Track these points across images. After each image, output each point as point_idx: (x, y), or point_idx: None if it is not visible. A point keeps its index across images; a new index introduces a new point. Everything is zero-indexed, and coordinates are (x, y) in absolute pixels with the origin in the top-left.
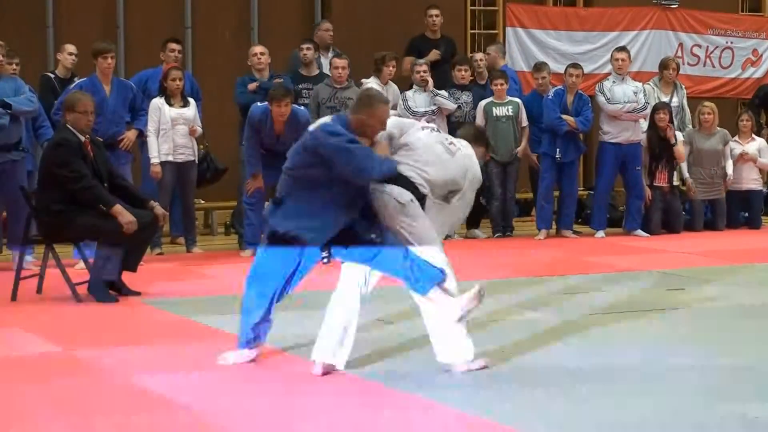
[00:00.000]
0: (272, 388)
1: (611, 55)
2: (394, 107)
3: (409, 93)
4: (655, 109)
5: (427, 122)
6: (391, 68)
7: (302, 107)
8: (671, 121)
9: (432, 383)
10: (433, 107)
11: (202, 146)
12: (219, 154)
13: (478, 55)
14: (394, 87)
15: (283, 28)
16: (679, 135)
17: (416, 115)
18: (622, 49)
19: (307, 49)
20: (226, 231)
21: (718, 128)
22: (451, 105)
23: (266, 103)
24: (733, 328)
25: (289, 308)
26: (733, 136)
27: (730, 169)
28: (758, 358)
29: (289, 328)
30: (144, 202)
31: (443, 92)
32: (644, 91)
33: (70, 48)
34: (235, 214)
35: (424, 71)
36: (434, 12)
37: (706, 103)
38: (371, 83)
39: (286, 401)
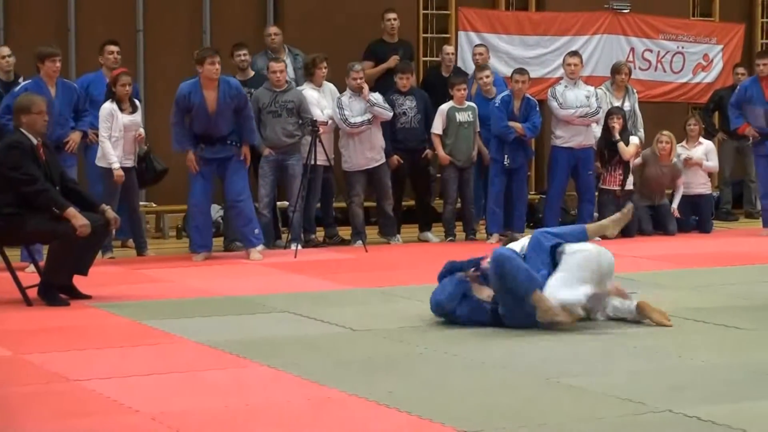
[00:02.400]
0: (223, 391)
1: (563, 60)
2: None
3: (344, 99)
4: (609, 113)
5: (363, 131)
6: (323, 70)
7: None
8: (625, 126)
9: (382, 387)
10: (369, 116)
11: (144, 146)
12: (167, 156)
13: (449, 48)
14: (330, 87)
15: (236, 31)
16: (635, 138)
17: (353, 126)
18: (575, 53)
19: (244, 54)
20: (177, 234)
21: (676, 158)
22: (386, 114)
23: (195, 78)
24: (683, 332)
25: (241, 313)
26: (680, 141)
27: (675, 203)
28: (707, 361)
29: (238, 332)
30: (95, 206)
31: (377, 96)
32: (596, 95)
33: (5, 51)
34: (186, 217)
35: (360, 77)
36: (392, 16)
37: (665, 132)
38: (305, 88)
39: (237, 403)
